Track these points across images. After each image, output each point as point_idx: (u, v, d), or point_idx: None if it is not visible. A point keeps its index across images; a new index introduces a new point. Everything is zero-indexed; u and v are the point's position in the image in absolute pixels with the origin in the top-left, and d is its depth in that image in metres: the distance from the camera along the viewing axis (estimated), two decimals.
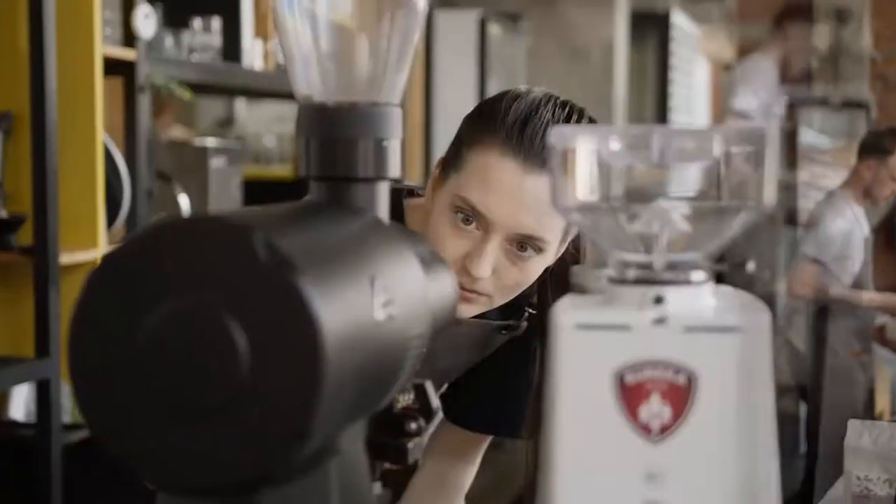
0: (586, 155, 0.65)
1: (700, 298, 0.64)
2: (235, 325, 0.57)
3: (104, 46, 2.52)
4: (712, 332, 0.62)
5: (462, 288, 1.21)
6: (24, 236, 2.36)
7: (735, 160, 0.64)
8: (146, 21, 2.62)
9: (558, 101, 1.24)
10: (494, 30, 5.22)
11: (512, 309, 1.35)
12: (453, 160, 1.25)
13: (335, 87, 0.74)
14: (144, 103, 2.68)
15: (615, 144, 0.65)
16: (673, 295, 0.64)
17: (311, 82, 0.74)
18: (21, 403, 2.67)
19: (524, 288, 1.26)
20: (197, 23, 3.05)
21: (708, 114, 8.41)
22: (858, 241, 4.40)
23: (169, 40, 2.96)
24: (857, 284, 4.37)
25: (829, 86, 6.14)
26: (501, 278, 1.23)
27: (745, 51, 8.34)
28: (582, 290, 0.71)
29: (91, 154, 2.47)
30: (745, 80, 4.40)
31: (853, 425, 1.78)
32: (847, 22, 7.66)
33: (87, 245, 2.47)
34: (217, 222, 0.58)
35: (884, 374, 4.69)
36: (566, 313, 0.64)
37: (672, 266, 0.65)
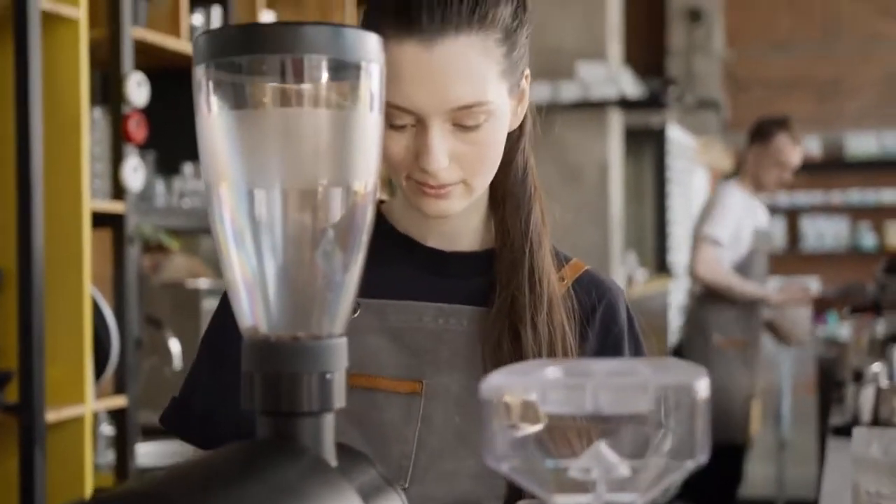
0: (520, 403, 0.64)
1: None
2: None
3: (93, 201, 2.54)
4: None
5: (430, 187, 1.15)
6: (11, 393, 2.35)
7: (671, 411, 0.63)
8: (135, 174, 2.64)
9: None
10: None
11: None
12: None
13: (279, 319, 0.73)
14: (133, 254, 2.69)
15: (550, 394, 0.64)
16: None
17: (256, 315, 0.74)
18: None
19: (496, 161, 1.18)
20: (188, 168, 3.08)
21: None
22: (748, 228, 4.45)
23: (160, 186, 2.99)
24: (740, 272, 4.38)
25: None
26: (463, 160, 1.15)
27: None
28: None
29: (79, 309, 2.46)
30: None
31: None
32: (700, 21, 7.71)
33: (74, 401, 2.45)
34: (138, 498, 0.57)
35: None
36: None
37: None
